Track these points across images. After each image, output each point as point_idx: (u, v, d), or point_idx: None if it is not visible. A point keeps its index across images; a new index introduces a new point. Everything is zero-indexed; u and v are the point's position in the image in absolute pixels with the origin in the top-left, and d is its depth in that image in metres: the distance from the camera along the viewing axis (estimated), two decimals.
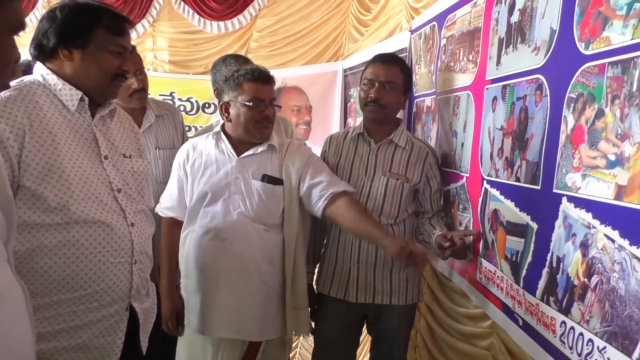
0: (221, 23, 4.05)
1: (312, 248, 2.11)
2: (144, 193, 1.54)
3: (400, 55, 2.58)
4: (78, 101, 1.39)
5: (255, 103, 1.81)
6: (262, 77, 1.84)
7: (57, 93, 1.37)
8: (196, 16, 4.05)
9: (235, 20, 4.03)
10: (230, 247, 1.82)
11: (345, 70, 3.67)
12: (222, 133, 1.90)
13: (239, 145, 1.88)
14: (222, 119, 1.92)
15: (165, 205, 1.96)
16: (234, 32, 4.06)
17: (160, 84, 3.86)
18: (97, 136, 1.43)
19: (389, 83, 1.95)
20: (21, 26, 0.92)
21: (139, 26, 4.06)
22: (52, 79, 1.38)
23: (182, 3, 4.04)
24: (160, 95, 3.72)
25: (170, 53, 4.14)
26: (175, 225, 1.94)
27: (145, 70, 2.34)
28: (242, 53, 4.04)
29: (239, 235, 1.83)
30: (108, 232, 1.37)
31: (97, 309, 1.37)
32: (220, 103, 1.89)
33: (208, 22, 4.06)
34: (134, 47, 2.27)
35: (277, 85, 3.74)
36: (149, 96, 2.37)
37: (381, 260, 1.97)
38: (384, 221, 1.97)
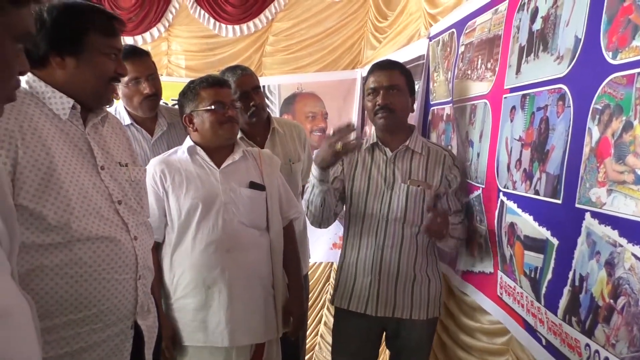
0: (237, 27, 4.03)
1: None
2: (144, 203, 1.46)
3: (417, 63, 2.55)
4: (70, 109, 1.29)
5: (216, 106, 1.84)
6: (218, 82, 1.89)
7: (47, 102, 1.27)
8: (211, 20, 4.04)
9: (251, 23, 4.01)
10: (236, 257, 1.84)
11: (363, 78, 3.62)
12: (196, 147, 1.89)
13: (214, 155, 1.89)
14: (188, 132, 1.94)
15: None
16: (249, 35, 4.04)
17: (172, 88, 3.84)
18: (92, 145, 1.34)
19: (393, 87, 1.94)
20: (27, 34, 0.87)
21: (154, 30, 4.05)
22: (40, 86, 1.27)
23: (198, 7, 4.03)
24: (172, 100, 3.71)
25: (185, 57, 4.13)
26: (154, 247, 1.88)
27: (160, 75, 2.30)
28: (257, 57, 4.02)
29: (242, 244, 1.86)
30: (112, 247, 1.29)
31: (102, 329, 1.29)
32: (183, 117, 1.91)
33: (224, 26, 4.04)
34: (147, 52, 2.23)
35: (292, 91, 3.77)
36: (161, 102, 2.32)
37: (403, 274, 1.93)
38: (408, 231, 1.93)
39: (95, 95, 1.34)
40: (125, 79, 2.14)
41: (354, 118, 3.69)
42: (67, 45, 1.27)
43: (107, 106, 1.43)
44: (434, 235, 1.85)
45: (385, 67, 1.99)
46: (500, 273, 1.69)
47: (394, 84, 1.94)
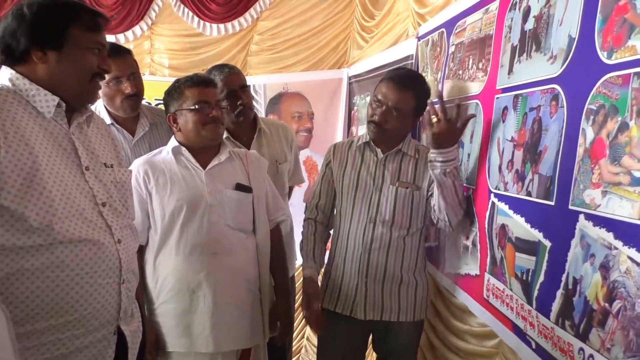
0: (221, 25, 3.98)
1: (312, 247, 2.04)
2: (129, 205, 1.42)
3: (406, 63, 2.52)
4: (55, 107, 1.26)
5: (200, 106, 1.80)
6: (203, 81, 1.85)
7: (31, 99, 1.24)
8: (195, 18, 3.98)
9: (235, 22, 3.96)
10: (222, 260, 1.80)
11: (350, 78, 3.60)
12: (181, 147, 1.85)
13: (199, 156, 1.85)
14: (173, 132, 1.90)
15: None
16: (234, 34, 3.99)
17: (156, 88, 3.77)
18: (77, 145, 1.30)
19: (397, 109, 1.86)
20: None
21: (136, 28, 3.97)
22: (24, 83, 1.24)
23: (182, 5, 3.97)
24: (155, 100, 3.64)
25: (168, 56, 4.06)
26: (138, 250, 1.85)
27: (142, 74, 2.24)
28: (242, 56, 3.97)
29: (228, 246, 1.82)
30: (95, 251, 1.25)
31: (84, 335, 1.25)
32: (168, 116, 1.87)
33: (208, 24, 3.99)
34: (128, 50, 2.18)
35: (278, 90, 3.73)
36: (144, 102, 2.26)
37: (390, 276, 1.91)
38: (395, 233, 1.90)
39: (78, 92, 1.30)
40: (106, 77, 2.08)
41: (340, 118, 3.66)
42: (49, 39, 1.23)
43: (90, 104, 1.39)
44: (443, 140, 1.69)
45: (401, 85, 1.86)
46: (487, 275, 1.67)
47: (399, 107, 1.85)
